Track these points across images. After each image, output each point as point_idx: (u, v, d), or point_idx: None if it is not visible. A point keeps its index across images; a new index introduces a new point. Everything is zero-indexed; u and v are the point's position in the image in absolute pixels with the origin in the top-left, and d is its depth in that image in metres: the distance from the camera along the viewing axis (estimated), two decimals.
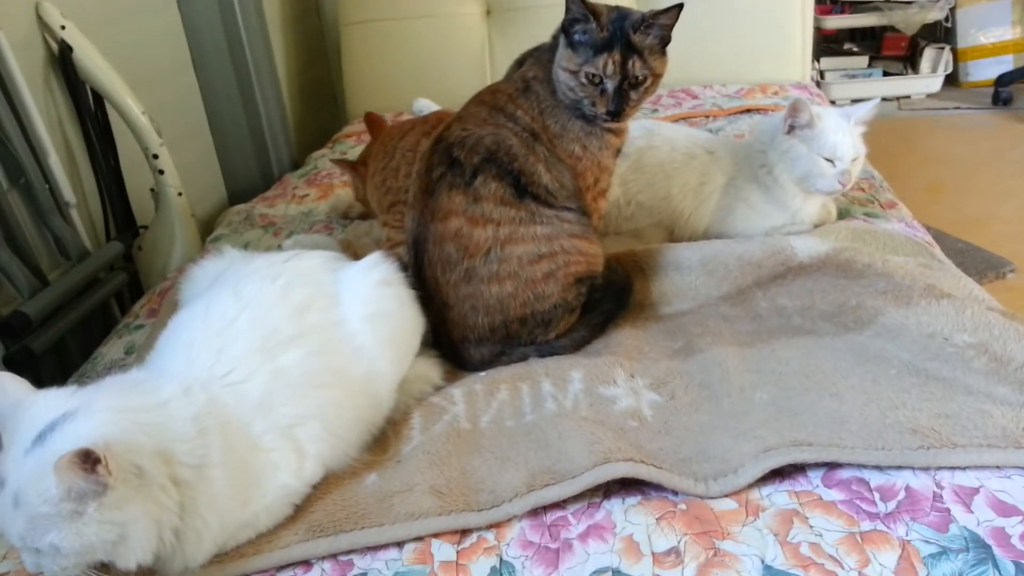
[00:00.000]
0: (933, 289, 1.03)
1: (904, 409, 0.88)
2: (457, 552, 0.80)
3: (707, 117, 1.94)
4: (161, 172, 1.62)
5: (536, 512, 0.84)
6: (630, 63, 1.04)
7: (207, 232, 1.79)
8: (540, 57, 1.09)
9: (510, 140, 1.03)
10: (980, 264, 2.40)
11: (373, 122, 1.48)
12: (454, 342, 1.08)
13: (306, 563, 0.81)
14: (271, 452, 0.84)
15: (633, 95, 1.05)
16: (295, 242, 1.47)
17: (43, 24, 1.48)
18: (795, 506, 0.81)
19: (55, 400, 0.78)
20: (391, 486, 0.88)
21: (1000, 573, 0.70)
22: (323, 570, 0.80)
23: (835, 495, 0.81)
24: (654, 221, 1.40)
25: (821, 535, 0.77)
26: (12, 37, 1.37)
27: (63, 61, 1.49)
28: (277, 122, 2.12)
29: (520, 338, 1.07)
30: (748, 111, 1.95)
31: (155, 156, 1.60)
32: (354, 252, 1.44)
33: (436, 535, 0.82)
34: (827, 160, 1.26)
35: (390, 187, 1.30)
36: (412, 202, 1.08)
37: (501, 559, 0.79)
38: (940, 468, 0.82)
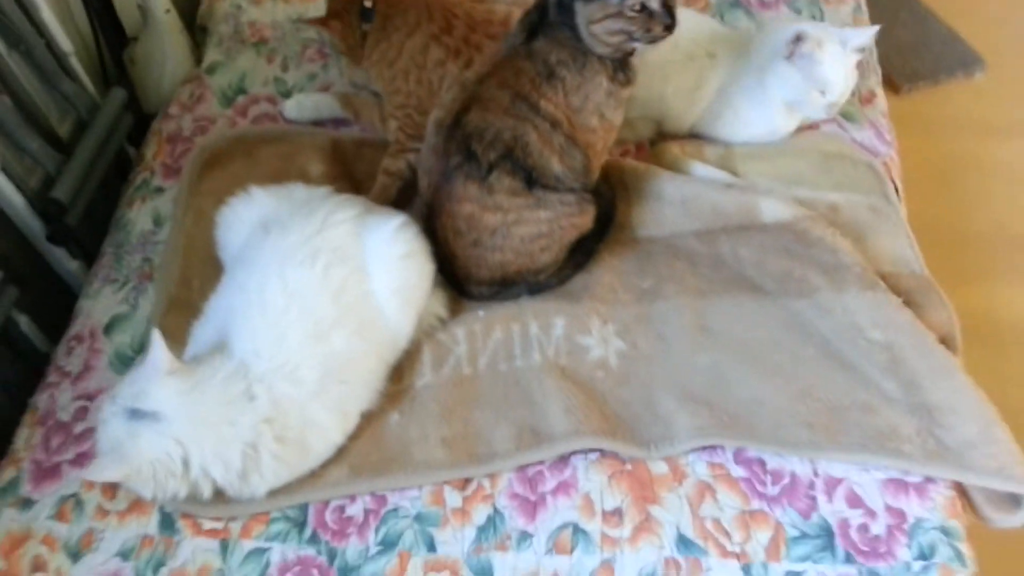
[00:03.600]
0: (864, 277, 1.22)
1: (808, 399, 1.14)
2: (463, 499, 1.10)
3: None
4: None
5: (522, 466, 1.12)
6: None
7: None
8: (555, 36, 1.11)
9: (528, 136, 1.11)
10: (953, 60, 2.46)
11: None
12: (458, 279, 1.26)
13: (351, 496, 1.11)
14: (323, 424, 1.08)
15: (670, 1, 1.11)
16: (297, 103, 1.51)
17: None
18: (709, 479, 1.10)
19: (164, 389, 0.99)
20: (410, 433, 1.14)
21: (835, 559, 1.04)
22: (364, 501, 1.10)
23: (740, 472, 1.11)
24: (645, 114, 1.48)
25: (722, 511, 1.08)
26: None
27: None
28: None
29: (515, 283, 1.25)
30: None
31: None
32: (354, 109, 1.51)
33: (447, 482, 1.11)
34: (819, 92, 1.33)
35: (399, 88, 1.33)
36: (430, 171, 1.17)
37: (495, 507, 1.09)
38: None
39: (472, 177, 1.12)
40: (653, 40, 1.11)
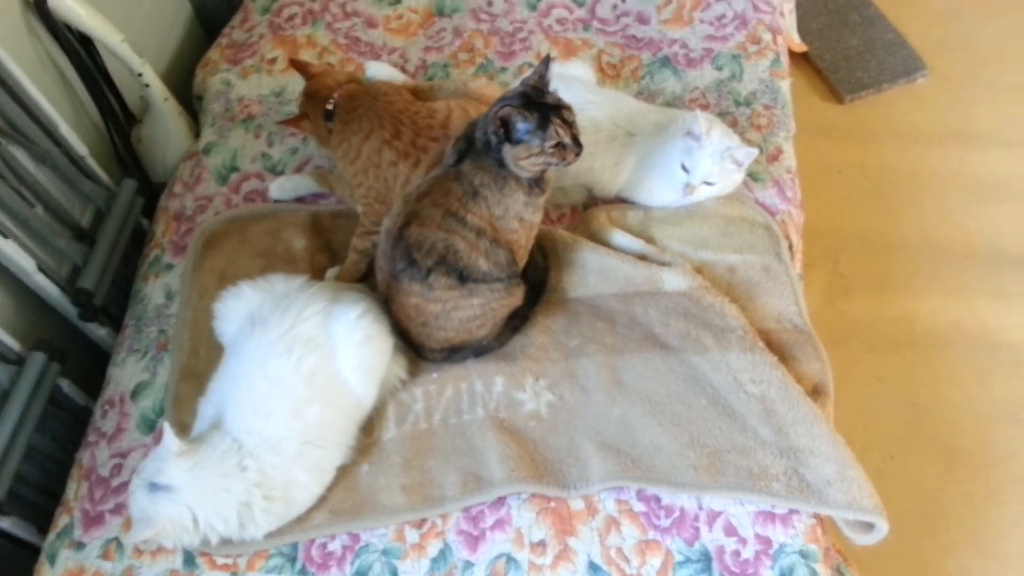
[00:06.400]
0: (745, 339, 1.46)
1: (696, 446, 1.40)
2: (419, 536, 1.39)
3: None
4: (147, 86, 1.80)
5: (467, 507, 1.40)
6: (564, 115, 1.32)
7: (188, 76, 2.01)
8: (482, 163, 1.34)
9: (458, 245, 1.35)
10: (897, 67, 2.62)
11: (301, 68, 1.64)
12: (415, 346, 1.52)
13: (331, 535, 1.40)
14: (304, 482, 1.36)
15: (575, 129, 1.35)
16: (279, 186, 1.76)
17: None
18: (616, 513, 1.38)
19: (175, 468, 1.27)
20: (377, 482, 1.42)
21: None
22: (342, 539, 1.39)
23: (640, 507, 1.38)
24: (577, 183, 1.71)
25: (624, 540, 1.36)
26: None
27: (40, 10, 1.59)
28: None
29: (462, 348, 1.52)
30: None
31: (139, 75, 1.77)
32: (329, 184, 1.76)
33: (407, 522, 1.40)
34: (683, 169, 1.56)
35: (361, 182, 1.57)
36: (382, 269, 1.43)
37: (445, 542, 1.38)
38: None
39: (415, 278, 1.38)
40: (568, 164, 1.35)
